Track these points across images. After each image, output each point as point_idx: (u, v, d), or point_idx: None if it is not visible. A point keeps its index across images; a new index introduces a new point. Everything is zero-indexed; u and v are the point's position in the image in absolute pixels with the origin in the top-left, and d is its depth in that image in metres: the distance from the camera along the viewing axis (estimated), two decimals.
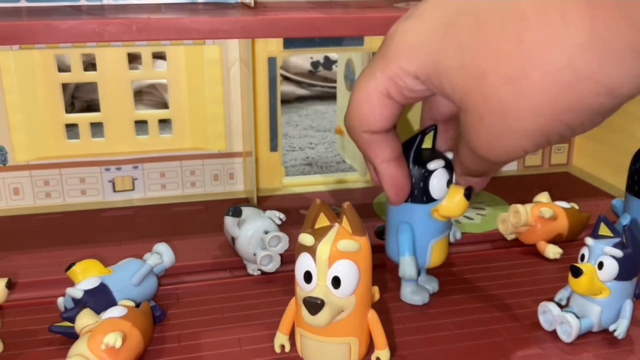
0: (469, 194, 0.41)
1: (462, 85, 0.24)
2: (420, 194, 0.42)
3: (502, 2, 0.22)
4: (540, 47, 0.21)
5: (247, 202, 0.66)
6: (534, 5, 0.21)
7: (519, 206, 0.54)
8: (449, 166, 0.42)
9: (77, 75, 0.63)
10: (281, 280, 0.50)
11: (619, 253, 0.40)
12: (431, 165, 0.41)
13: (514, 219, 0.54)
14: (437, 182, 0.42)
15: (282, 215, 0.51)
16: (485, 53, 0.23)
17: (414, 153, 0.41)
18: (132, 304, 0.42)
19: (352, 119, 0.32)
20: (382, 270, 0.50)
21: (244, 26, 0.43)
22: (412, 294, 0.46)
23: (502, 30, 0.22)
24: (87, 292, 0.42)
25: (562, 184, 0.74)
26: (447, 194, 0.42)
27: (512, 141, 0.24)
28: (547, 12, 0.20)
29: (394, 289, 0.48)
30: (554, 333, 0.43)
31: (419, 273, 0.45)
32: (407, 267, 0.44)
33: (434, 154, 0.42)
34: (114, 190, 0.66)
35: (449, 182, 0.42)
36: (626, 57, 0.20)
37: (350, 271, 0.36)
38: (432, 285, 0.48)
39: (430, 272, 0.49)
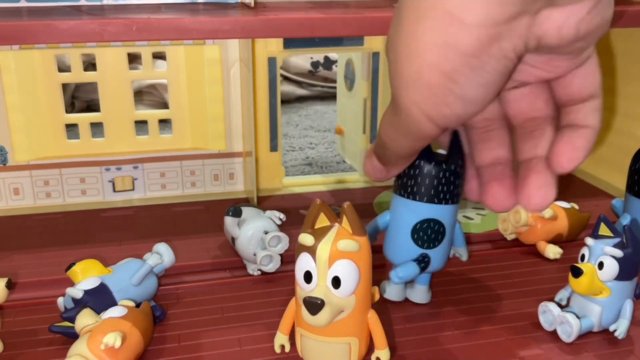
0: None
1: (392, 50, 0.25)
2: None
3: None
4: None
5: (247, 202, 0.66)
6: None
7: (519, 206, 0.54)
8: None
9: (77, 75, 0.63)
10: (281, 280, 0.50)
11: (619, 253, 0.40)
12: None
13: (514, 218, 0.54)
14: None
15: (282, 216, 0.51)
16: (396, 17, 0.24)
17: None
18: (132, 304, 0.42)
19: None
20: (382, 270, 0.50)
21: (244, 26, 0.43)
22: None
23: None
24: (87, 292, 0.42)
25: (562, 184, 0.73)
26: None
27: (406, 97, 0.23)
28: None
29: None
30: (554, 333, 0.43)
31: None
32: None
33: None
34: (114, 190, 0.66)
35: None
36: None
37: (350, 271, 0.36)
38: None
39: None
